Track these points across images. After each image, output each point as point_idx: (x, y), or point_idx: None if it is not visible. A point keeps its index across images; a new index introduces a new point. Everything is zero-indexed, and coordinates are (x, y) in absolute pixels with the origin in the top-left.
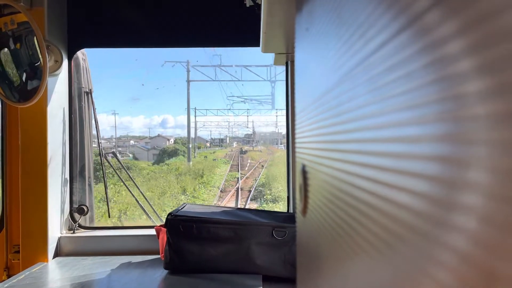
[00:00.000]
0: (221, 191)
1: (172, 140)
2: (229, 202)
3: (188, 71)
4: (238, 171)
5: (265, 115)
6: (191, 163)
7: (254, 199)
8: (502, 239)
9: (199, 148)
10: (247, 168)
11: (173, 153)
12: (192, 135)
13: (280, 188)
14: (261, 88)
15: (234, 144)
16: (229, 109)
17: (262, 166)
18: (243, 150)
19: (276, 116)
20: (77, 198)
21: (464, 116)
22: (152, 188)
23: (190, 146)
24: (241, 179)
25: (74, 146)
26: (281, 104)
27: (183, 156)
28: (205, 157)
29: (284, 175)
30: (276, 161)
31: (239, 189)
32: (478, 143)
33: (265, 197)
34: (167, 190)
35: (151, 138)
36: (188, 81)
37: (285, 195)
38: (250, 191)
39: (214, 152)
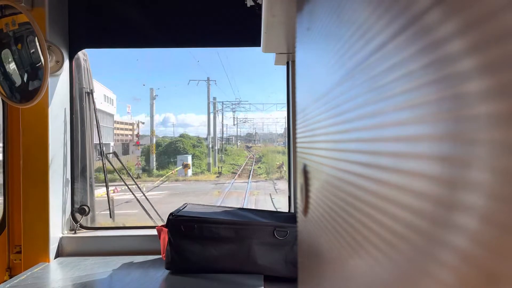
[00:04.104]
0: (249, 156)
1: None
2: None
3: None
4: (251, 152)
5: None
6: (237, 148)
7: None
8: (503, 238)
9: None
10: (253, 152)
11: (219, 149)
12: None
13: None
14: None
15: (239, 143)
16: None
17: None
18: (249, 146)
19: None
20: (78, 199)
21: (465, 116)
22: (232, 159)
23: (238, 142)
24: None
25: (75, 146)
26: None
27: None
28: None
29: (267, 153)
30: (266, 150)
31: (254, 156)
32: (478, 143)
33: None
34: (239, 155)
35: None
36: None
37: (265, 163)
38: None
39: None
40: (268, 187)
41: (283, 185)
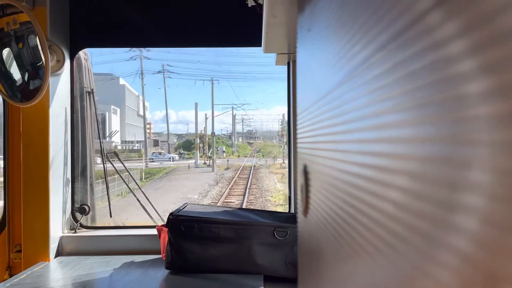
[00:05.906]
0: (252, 149)
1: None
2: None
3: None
4: (252, 147)
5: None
6: (241, 143)
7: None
8: (503, 239)
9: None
10: (254, 147)
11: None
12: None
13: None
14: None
15: (240, 139)
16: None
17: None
18: (250, 142)
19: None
20: (78, 198)
21: (465, 117)
22: (242, 149)
23: (236, 138)
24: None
25: (76, 145)
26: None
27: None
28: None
29: (264, 147)
30: (265, 145)
31: (255, 149)
32: (479, 144)
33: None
34: (245, 148)
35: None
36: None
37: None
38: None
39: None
40: (262, 159)
41: (269, 158)
